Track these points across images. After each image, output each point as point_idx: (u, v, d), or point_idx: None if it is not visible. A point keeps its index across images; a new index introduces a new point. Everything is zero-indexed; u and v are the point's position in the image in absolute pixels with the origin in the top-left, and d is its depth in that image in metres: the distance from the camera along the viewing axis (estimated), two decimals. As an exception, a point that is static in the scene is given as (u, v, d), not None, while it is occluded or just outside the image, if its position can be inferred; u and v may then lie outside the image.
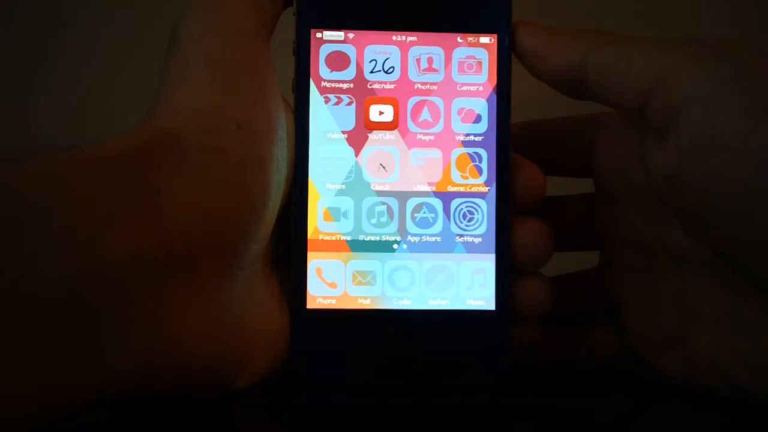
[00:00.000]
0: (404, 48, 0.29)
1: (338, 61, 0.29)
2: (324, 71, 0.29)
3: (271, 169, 0.26)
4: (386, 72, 0.29)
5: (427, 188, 0.29)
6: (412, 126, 0.29)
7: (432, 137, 0.29)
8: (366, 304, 0.29)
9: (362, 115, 0.29)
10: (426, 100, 0.29)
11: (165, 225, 0.23)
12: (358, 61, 0.29)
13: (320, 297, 0.29)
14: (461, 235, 0.29)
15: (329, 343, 0.29)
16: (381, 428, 0.25)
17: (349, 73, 0.29)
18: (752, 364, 0.27)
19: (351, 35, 0.29)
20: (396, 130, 0.29)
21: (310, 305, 0.29)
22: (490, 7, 0.30)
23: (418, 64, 0.29)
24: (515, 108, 0.30)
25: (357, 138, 0.29)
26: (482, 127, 0.30)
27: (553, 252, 0.30)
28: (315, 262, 0.29)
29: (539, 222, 0.29)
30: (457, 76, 0.30)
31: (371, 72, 0.29)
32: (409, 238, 0.29)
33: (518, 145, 0.30)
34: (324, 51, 0.29)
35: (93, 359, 0.21)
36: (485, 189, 0.29)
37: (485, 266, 0.29)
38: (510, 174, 0.29)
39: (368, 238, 0.29)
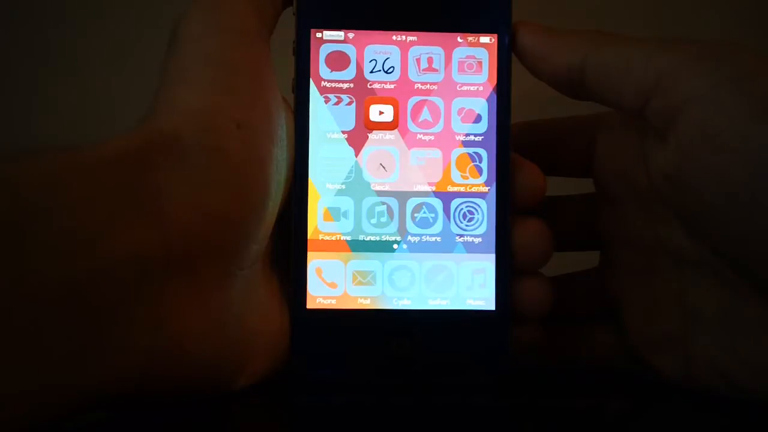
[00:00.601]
0: (404, 48, 0.29)
1: (338, 61, 0.29)
2: (324, 71, 0.29)
3: (271, 169, 0.26)
4: (386, 72, 0.29)
5: (427, 188, 0.29)
6: (412, 126, 0.29)
7: (432, 137, 0.29)
8: (366, 304, 0.29)
9: (362, 115, 0.29)
10: (426, 100, 0.29)
11: (165, 225, 0.23)
12: (358, 60, 0.29)
13: (320, 297, 0.29)
14: (461, 235, 0.29)
15: (329, 343, 0.29)
16: (381, 428, 0.25)
17: (349, 73, 0.29)
18: (752, 364, 0.27)
19: (351, 35, 0.29)
20: (396, 130, 0.29)
21: (310, 305, 0.29)
22: (490, 7, 0.29)
23: (418, 64, 0.29)
24: (515, 108, 0.30)
25: (357, 138, 0.29)
26: (482, 127, 0.30)
27: (553, 252, 0.30)
28: (315, 262, 0.29)
29: (539, 222, 0.29)
30: (457, 76, 0.30)
31: (371, 72, 0.29)
32: (409, 238, 0.29)
33: (518, 145, 0.30)
34: (324, 51, 0.29)
35: (93, 359, 0.21)
36: (485, 189, 0.29)
37: (485, 266, 0.29)
38: (510, 174, 0.29)
39: (368, 238, 0.29)
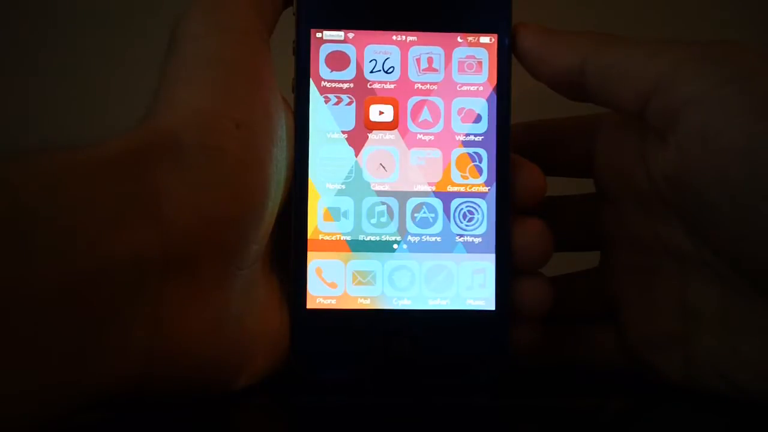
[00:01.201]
0: (404, 48, 0.29)
1: (338, 60, 0.29)
2: (324, 71, 0.29)
3: (271, 169, 0.26)
4: (386, 72, 0.29)
5: (427, 188, 0.29)
6: (412, 126, 0.29)
7: (432, 137, 0.29)
8: (366, 304, 0.29)
9: (362, 115, 0.29)
10: (426, 100, 0.29)
11: (164, 225, 0.23)
12: (358, 60, 0.29)
13: (320, 297, 0.29)
14: (461, 235, 0.29)
15: (329, 343, 0.29)
16: (381, 428, 0.25)
17: (349, 72, 0.29)
18: (752, 365, 0.27)
19: (351, 35, 0.29)
20: (396, 130, 0.29)
21: (310, 305, 0.29)
22: (490, 7, 0.30)
23: (418, 64, 0.29)
24: (515, 108, 0.30)
25: (357, 138, 0.29)
26: (482, 127, 0.30)
27: (553, 252, 0.30)
28: (315, 262, 0.29)
29: (539, 222, 0.29)
30: (457, 76, 0.30)
31: (371, 72, 0.29)
32: (409, 238, 0.29)
33: (518, 145, 0.30)
34: (324, 51, 0.29)
35: (92, 359, 0.21)
36: (485, 189, 0.29)
37: (485, 266, 0.29)
38: (510, 174, 0.29)
39: (368, 238, 0.29)
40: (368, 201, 0.29)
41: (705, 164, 0.25)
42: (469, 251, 0.29)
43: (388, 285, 0.29)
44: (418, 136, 0.29)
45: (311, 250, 0.29)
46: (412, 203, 0.29)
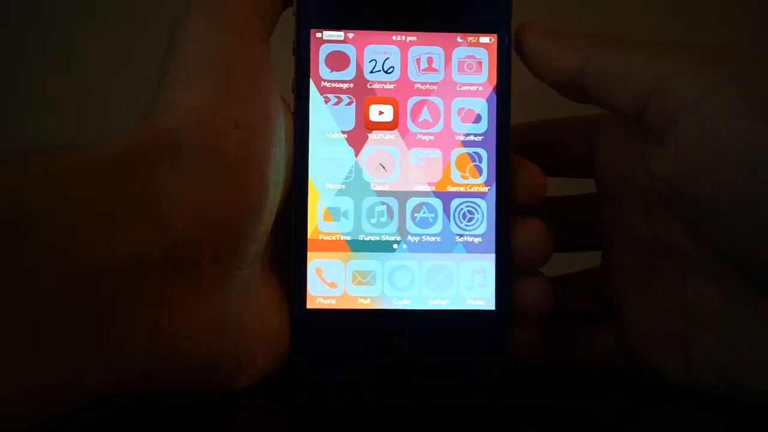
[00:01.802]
0: (404, 48, 0.29)
1: (338, 61, 0.29)
2: (324, 71, 0.29)
3: (270, 168, 0.26)
4: (386, 72, 0.29)
5: (427, 188, 0.29)
6: (412, 126, 0.29)
7: (432, 137, 0.29)
8: (366, 304, 0.29)
9: (362, 115, 0.29)
10: (426, 100, 0.29)
11: (163, 225, 0.23)
12: (358, 61, 0.29)
13: (320, 297, 0.29)
14: (461, 235, 0.29)
15: (329, 343, 0.29)
16: (381, 428, 0.25)
17: (349, 73, 0.29)
18: (753, 365, 0.27)
19: (351, 35, 0.29)
20: (396, 130, 0.29)
21: (310, 305, 0.29)
22: (490, 7, 0.30)
23: (418, 64, 0.29)
24: (515, 108, 0.30)
25: (357, 138, 0.29)
26: (482, 127, 0.30)
27: (553, 252, 0.30)
28: (315, 262, 0.29)
29: (539, 222, 0.29)
30: (457, 76, 0.30)
31: (371, 72, 0.29)
32: (409, 238, 0.29)
33: (518, 145, 0.30)
34: (324, 51, 0.29)
35: (92, 359, 0.21)
36: (485, 189, 0.29)
37: (485, 266, 0.29)
38: (510, 174, 0.29)
39: (368, 238, 0.29)
40: (368, 201, 0.29)
41: (704, 166, 0.25)
42: (469, 251, 0.29)
43: (388, 285, 0.29)
44: (418, 136, 0.29)
45: (311, 250, 0.29)
46: (412, 203, 0.29)
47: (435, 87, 0.29)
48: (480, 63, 0.30)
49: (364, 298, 0.29)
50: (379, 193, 0.29)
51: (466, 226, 0.29)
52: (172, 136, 0.24)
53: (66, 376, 0.20)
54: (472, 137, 0.30)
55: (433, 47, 0.29)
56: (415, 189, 0.29)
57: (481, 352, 0.29)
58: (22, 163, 0.21)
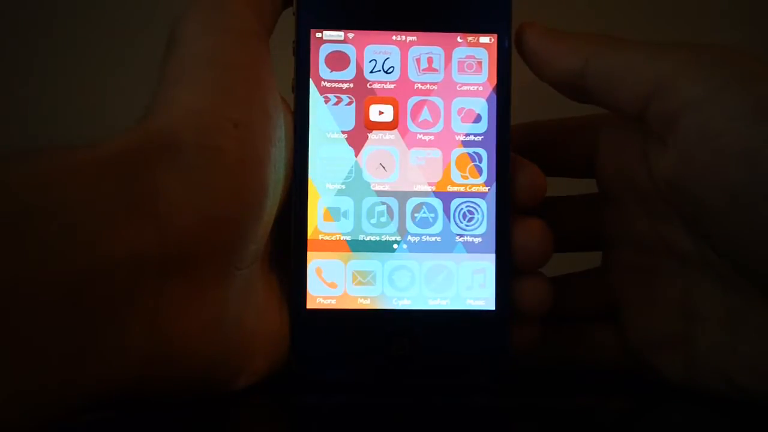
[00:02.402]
0: (404, 48, 0.29)
1: (338, 61, 0.29)
2: (324, 71, 0.29)
3: (269, 168, 0.26)
4: (386, 72, 0.29)
5: (427, 188, 0.29)
6: (412, 126, 0.29)
7: (432, 137, 0.29)
8: (366, 304, 0.29)
9: (362, 115, 0.29)
10: (426, 100, 0.29)
11: (162, 225, 0.23)
12: (357, 61, 0.29)
13: (320, 297, 0.29)
14: (461, 235, 0.29)
15: (329, 343, 0.29)
16: (381, 428, 0.25)
17: (349, 72, 0.29)
18: (754, 365, 0.27)
19: (351, 35, 0.29)
20: (396, 130, 0.29)
21: (310, 305, 0.29)
22: (490, 7, 0.30)
23: (418, 64, 0.29)
24: (515, 108, 0.30)
25: (357, 138, 0.29)
26: (482, 127, 0.30)
27: (553, 252, 0.30)
28: (315, 262, 0.29)
29: (539, 222, 0.29)
30: (457, 76, 0.30)
31: (371, 72, 0.29)
32: (409, 238, 0.29)
33: (519, 146, 0.30)
34: (324, 51, 0.29)
35: (91, 359, 0.21)
36: (485, 189, 0.29)
37: (485, 266, 0.29)
38: (510, 174, 0.29)
39: (368, 238, 0.29)
40: (368, 201, 0.29)
41: (705, 166, 0.25)
42: (469, 251, 0.29)
43: (388, 285, 0.29)
44: (418, 136, 0.29)
45: (311, 250, 0.29)
46: (412, 203, 0.29)
47: (435, 87, 0.29)
48: (480, 63, 0.30)
49: (364, 298, 0.29)
50: (379, 193, 0.29)
51: (466, 226, 0.29)
52: (171, 136, 0.24)
53: (65, 376, 0.20)
54: (472, 137, 0.30)
55: (433, 47, 0.29)
56: (415, 189, 0.29)
57: (481, 352, 0.29)
58: (22, 163, 0.21)
